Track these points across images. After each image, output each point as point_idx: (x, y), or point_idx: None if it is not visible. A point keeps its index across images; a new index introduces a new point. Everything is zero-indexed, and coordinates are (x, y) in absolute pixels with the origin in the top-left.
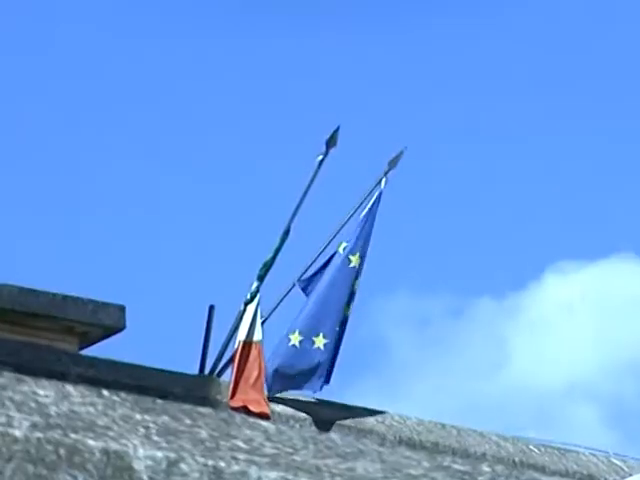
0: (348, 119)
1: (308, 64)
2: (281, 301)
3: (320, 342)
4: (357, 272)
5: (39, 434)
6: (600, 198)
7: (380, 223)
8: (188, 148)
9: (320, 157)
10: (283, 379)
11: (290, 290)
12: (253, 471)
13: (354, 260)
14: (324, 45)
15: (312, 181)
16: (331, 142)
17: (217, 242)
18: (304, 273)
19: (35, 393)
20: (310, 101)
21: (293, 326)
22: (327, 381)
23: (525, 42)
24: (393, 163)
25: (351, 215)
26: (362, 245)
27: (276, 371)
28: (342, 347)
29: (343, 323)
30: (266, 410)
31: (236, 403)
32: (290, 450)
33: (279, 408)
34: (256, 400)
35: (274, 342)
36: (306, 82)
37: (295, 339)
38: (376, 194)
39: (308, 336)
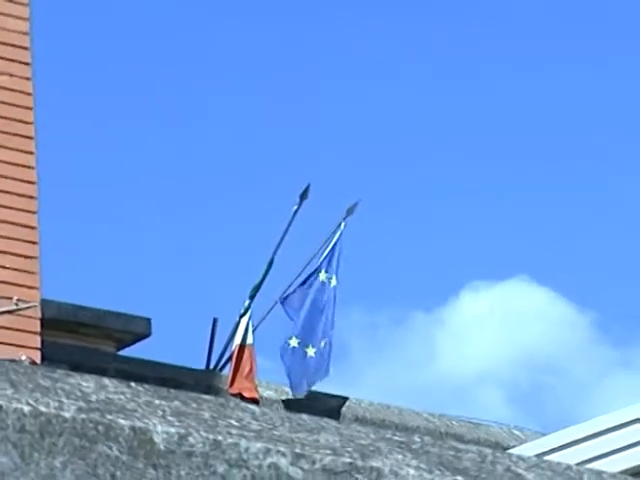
0: (316, 176)
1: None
2: (267, 314)
3: (322, 344)
4: (336, 289)
5: (83, 415)
6: (505, 230)
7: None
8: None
9: (295, 207)
10: (302, 381)
11: (274, 306)
12: (243, 442)
13: (334, 281)
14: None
15: (290, 225)
16: (303, 196)
17: (219, 272)
18: (284, 293)
19: (80, 384)
20: (290, 160)
21: (304, 340)
22: (327, 373)
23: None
24: (350, 211)
25: (318, 250)
26: (336, 270)
27: (295, 377)
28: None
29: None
30: (256, 396)
31: (234, 391)
32: (271, 426)
33: (265, 394)
34: (248, 388)
35: (264, 345)
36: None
37: (310, 350)
38: (338, 234)
39: (313, 344)
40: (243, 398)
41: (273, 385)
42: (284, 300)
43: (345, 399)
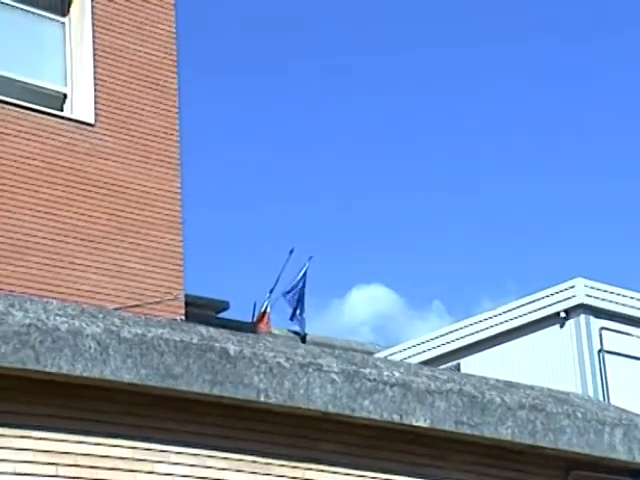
0: (297, 242)
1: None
2: (275, 299)
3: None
4: (299, 296)
5: (200, 342)
6: (372, 255)
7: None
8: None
9: (287, 257)
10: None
11: (277, 297)
12: (265, 352)
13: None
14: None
15: (285, 265)
16: (291, 252)
17: (254, 279)
18: (284, 292)
19: (200, 329)
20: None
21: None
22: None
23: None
24: (310, 259)
25: (296, 279)
26: (303, 286)
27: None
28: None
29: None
30: (271, 332)
31: (261, 330)
32: (277, 345)
33: (275, 332)
34: (268, 329)
35: (275, 314)
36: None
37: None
38: (304, 269)
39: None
40: (266, 333)
41: (278, 329)
42: (284, 296)
43: (306, 334)
